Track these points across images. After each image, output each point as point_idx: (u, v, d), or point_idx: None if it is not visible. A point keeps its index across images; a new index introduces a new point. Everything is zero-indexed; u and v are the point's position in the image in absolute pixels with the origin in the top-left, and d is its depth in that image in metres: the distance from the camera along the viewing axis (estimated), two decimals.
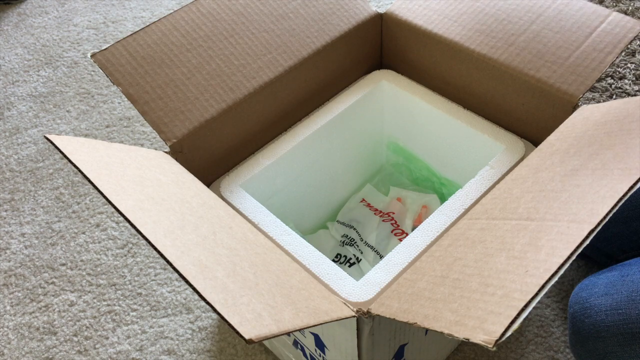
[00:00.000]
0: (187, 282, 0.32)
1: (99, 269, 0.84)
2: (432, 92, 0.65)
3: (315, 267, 0.49)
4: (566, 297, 0.75)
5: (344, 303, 0.44)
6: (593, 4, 0.58)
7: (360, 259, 0.70)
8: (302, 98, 0.63)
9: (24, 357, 0.76)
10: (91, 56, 0.53)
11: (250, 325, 0.31)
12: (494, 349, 0.29)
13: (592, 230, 0.33)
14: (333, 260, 0.64)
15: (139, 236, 0.38)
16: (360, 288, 0.47)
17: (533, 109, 0.57)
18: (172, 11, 0.58)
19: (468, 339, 0.30)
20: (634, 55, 1.04)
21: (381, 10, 0.65)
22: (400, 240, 0.54)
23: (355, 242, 0.72)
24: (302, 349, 0.59)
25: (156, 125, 0.53)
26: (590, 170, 0.40)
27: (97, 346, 0.76)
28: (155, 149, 0.52)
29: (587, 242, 0.33)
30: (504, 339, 0.29)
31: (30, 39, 1.27)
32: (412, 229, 0.68)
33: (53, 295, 0.82)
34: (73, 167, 0.39)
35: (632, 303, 0.51)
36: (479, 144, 0.61)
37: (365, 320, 0.43)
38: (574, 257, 0.33)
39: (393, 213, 0.73)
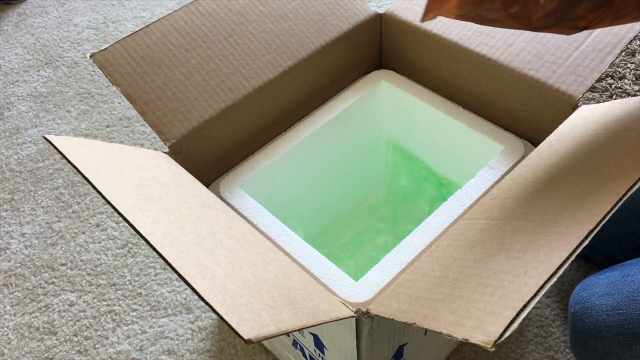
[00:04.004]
0: (186, 282, 0.32)
1: (99, 269, 0.84)
2: (431, 92, 0.65)
3: (315, 268, 0.49)
4: (566, 297, 0.75)
5: (343, 303, 0.44)
6: None
7: None
8: (301, 98, 0.63)
9: (24, 357, 0.76)
10: (90, 56, 0.53)
11: (249, 325, 0.31)
12: (493, 349, 0.29)
13: (591, 231, 0.33)
14: None
15: (139, 236, 0.38)
16: (359, 288, 0.47)
17: (533, 109, 0.57)
18: (172, 11, 0.58)
19: (467, 340, 0.30)
20: (634, 55, 1.04)
21: (381, 11, 0.65)
22: None
23: None
24: (302, 349, 0.59)
25: (155, 126, 0.53)
26: (590, 170, 0.40)
27: (97, 346, 0.76)
28: (155, 149, 0.52)
29: (586, 242, 0.33)
30: (502, 339, 0.29)
31: (30, 39, 1.27)
32: None
33: (53, 295, 0.82)
34: (73, 167, 0.39)
35: (633, 303, 0.51)
36: (478, 144, 0.61)
37: (365, 321, 0.43)
38: (572, 258, 0.32)
39: None
